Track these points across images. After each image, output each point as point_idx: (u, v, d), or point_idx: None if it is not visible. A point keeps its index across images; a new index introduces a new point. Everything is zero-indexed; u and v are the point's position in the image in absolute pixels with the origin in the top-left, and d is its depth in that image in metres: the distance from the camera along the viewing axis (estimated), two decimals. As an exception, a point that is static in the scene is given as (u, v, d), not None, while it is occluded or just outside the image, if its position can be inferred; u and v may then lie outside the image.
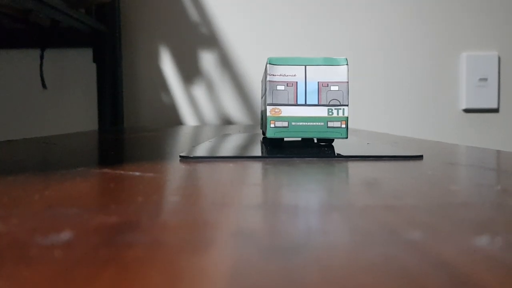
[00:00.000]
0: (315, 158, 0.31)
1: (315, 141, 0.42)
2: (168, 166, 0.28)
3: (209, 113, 1.05)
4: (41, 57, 0.96)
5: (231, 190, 0.20)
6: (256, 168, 0.27)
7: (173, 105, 1.05)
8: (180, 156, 0.32)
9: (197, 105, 1.05)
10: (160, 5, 1.04)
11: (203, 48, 1.04)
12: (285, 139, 0.42)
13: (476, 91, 1.05)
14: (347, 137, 0.36)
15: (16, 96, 1.06)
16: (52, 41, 1.01)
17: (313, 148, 0.36)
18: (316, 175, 0.24)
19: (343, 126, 0.35)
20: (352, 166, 0.28)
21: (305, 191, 0.19)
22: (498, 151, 0.37)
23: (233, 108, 1.05)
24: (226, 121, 1.05)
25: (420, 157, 0.32)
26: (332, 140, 0.39)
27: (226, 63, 1.04)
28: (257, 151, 0.35)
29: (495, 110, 1.06)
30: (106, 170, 0.26)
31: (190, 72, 1.04)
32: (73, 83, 1.05)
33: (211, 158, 0.31)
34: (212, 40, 1.04)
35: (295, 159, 0.31)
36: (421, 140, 0.51)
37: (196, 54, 1.04)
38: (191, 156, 0.32)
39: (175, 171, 0.26)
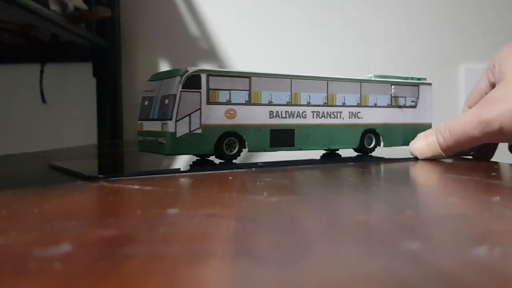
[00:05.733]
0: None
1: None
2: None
3: (209, 127, 1.05)
4: (41, 72, 0.97)
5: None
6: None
7: (172, 119, 1.05)
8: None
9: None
10: (160, 20, 1.04)
11: (203, 62, 1.04)
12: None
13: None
14: (169, 154, 0.32)
15: (16, 110, 1.06)
16: (52, 55, 1.01)
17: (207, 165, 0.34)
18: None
19: (165, 141, 0.32)
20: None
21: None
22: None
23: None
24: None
25: None
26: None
27: (226, 77, 1.04)
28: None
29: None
30: (104, 183, 0.26)
31: (189, 86, 1.04)
32: (73, 98, 1.05)
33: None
34: (211, 55, 1.04)
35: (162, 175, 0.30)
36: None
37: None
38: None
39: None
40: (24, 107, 1.06)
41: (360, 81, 0.40)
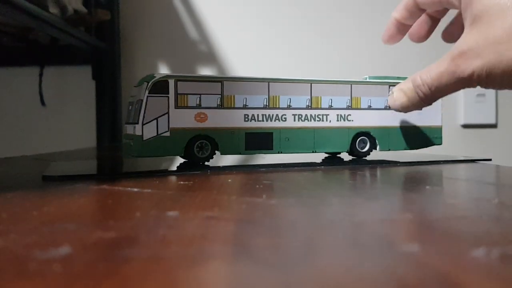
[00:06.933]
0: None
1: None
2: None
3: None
4: (40, 75, 0.96)
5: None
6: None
7: (172, 122, 1.05)
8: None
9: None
10: (160, 23, 1.04)
11: (202, 65, 1.04)
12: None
13: (474, 107, 1.05)
14: (137, 156, 0.33)
15: (15, 113, 1.06)
16: (51, 58, 1.01)
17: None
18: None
19: (132, 144, 0.33)
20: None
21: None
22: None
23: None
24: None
25: None
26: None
27: (225, 79, 1.04)
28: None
29: (493, 126, 1.07)
30: (104, 186, 0.26)
31: (189, 89, 1.04)
32: (72, 100, 1.05)
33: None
34: (211, 58, 1.04)
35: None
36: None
37: (196, 71, 1.04)
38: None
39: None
40: (24, 110, 1.06)
41: (350, 83, 0.39)
